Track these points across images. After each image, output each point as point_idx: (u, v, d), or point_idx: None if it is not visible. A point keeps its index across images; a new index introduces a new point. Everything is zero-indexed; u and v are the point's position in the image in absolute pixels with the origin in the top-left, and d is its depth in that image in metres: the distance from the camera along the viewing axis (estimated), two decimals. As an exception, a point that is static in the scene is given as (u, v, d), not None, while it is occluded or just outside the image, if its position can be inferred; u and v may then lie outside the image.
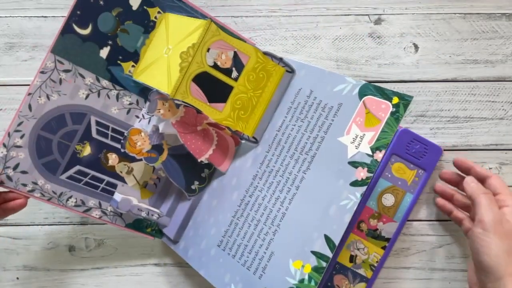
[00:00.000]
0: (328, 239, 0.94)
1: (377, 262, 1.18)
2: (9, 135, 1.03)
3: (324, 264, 0.93)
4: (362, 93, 0.98)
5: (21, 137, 1.04)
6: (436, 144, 1.19)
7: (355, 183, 0.94)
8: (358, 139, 0.96)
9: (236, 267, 1.04)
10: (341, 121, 1.00)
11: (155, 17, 1.11)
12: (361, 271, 1.19)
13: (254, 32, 1.26)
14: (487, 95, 1.23)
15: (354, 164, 0.95)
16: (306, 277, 0.94)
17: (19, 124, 1.04)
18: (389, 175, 1.19)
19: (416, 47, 1.24)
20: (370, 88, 0.98)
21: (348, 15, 1.26)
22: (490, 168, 1.22)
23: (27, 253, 1.23)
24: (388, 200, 1.19)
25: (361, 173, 0.94)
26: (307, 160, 1.02)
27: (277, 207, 1.03)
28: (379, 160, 0.93)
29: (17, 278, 1.23)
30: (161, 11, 1.11)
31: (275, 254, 1.00)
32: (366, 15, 1.25)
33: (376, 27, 1.25)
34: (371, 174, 0.93)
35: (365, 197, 1.18)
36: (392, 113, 0.94)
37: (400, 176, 1.19)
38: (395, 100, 0.94)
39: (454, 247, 1.21)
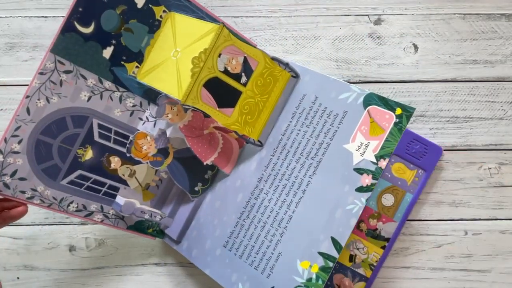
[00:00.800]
0: (334, 241, 0.97)
1: (376, 261, 1.19)
2: (5, 140, 0.99)
3: (331, 264, 0.97)
4: (367, 102, 1.01)
5: (19, 142, 1.00)
6: (436, 144, 1.19)
7: (360, 189, 0.98)
8: (363, 147, 0.99)
9: (243, 267, 1.06)
10: (346, 129, 1.02)
11: (161, 16, 1.08)
12: (360, 271, 1.19)
13: (254, 32, 1.26)
14: (487, 95, 1.23)
15: (359, 170, 0.98)
16: (314, 276, 0.98)
17: (17, 129, 0.99)
18: (389, 175, 1.19)
19: (415, 47, 1.25)
20: (374, 98, 1.00)
21: (348, 15, 1.26)
22: (489, 168, 1.22)
23: (27, 253, 1.23)
24: (388, 200, 1.19)
25: (366, 180, 0.97)
26: (313, 165, 1.04)
27: (284, 209, 1.05)
28: (383, 167, 0.97)
29: (18, 278, 1.23)
30: (166, 10, 1.08)
31: (282, 254, 1.02)
32: (366, 15, 1.25)
33: (376, 28, 1.25)
34: (376, 181, 0.96)
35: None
36: (395, 124, 0.98)
37: (400, 176, 1.19)
38: (398, 111, 0.98)
39: (453, 247, 1.21)
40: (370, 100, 1.01)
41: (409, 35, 1.25)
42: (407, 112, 0.97)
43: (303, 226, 1.02)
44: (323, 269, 0.97)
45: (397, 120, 0.97)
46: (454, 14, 1.25)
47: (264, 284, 1.02)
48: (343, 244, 0.96)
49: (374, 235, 1.19)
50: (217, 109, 1.05)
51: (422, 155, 1.19)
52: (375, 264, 1.19)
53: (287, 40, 1.26)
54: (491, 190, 1.22)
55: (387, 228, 1.19)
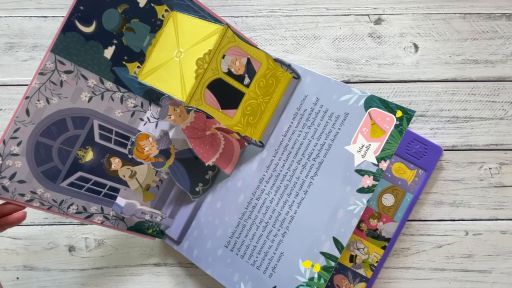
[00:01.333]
0: (336, 241, 0.98)
1: (377, 262, 1.19)
2: (4, 142, 0.97)
3: (332, 263, 0.98)
4: (368, 104, 1.02)
5: (18, 144, 0.98)
6: (436, 144, 1.19)
7: (361, 190, 0.99)
8: (364, 149, 1.00)
9: (245, 267, 1.06)
10: (347, 130, 1.04)
11: (162, 16, 1.07)
12: (361, 271, 1.19)
13: (254, 32, 1.26)
14: (487, 95, 1.23)
15: (361, 172, 1.00)
16: (316, 275, 0.99)
17: (16, 131, 0.97)
18: (389, 175, 1.19)
19: (416, 47, 1.24)
20: (375, 100, 1.02)
21: (348, 15, 1.26)
22: (490, 168, 1.22)
23: (27, 253, 1.23)
24: (388, 200, 1.19)
25: (367, 181, 0.99)
26: (315, 166, 1.04)
27: (286, 210, 1.05)
28: (384, 169, 0.98)
29: (17, 278, 1.23)
30: (168, 9, 1.07)
31: (284, 254, 1.03)
32: (366, 15, 1.25)
33: (376, 27, 1.25)
34: (377, 182, 0.97)
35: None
36: (396, 126, 0.99)
37: (400, 176, 1.19)
38: (399, 113, 0.99)
39: (454, 247, 1.21)
40: (371, 102, 1.02)
41: (409, 35, 1.25)
42: (408, 115, 0.98)
43: (304, 226, 1.03)
44: (325, 268, 0.98)
45: (398, 122, 0.98)
46: (455, 13, 1.25)
47: (267, 283, 1.03)
48: (344, 244, 0.98)
49: (374, 235, 1.19)
50: (220, 110, 1.05)
51: (422, 155, 1.19)
52: (375, 264, 1.19)
53: (287, 40, 1.26)
54: (492, 190, 1.22)
55: (387, 228, 1.19)
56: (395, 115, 0.99)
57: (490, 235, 1.21)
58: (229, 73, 1.04)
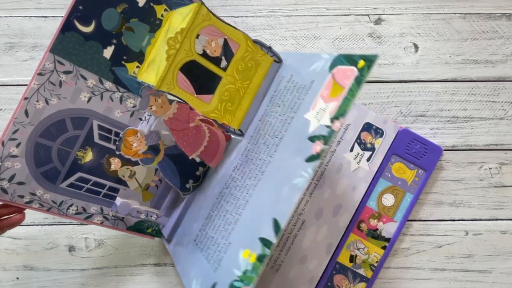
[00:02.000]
0: (276, 223, 0.82)
1: (377, 262, 1.18)
2: (3, 144, 0.97)
3: (267, 251, 0.80)
4: (333, 65, 0.88)
5: (17, 145, 0.98)
6: (436, 144, 1.19)
7: (310, 159, 0.82)
8: (321, 112, 0.85)
9: (200, 261, 0.98)
10: (310, 98, 0.91)
11: (162, 15, 1.05)
12: (361, 271, 1.19)
13: (254, 32, 1.26)
14: (487, 95, 1.23)
15: (313, 138, 0.84)
16: (250, 267, 0.82)
17: (14, 132, 0.97)
18: (389, 175, 1.19)
19: (416, 47, 1.24)
20: (341, 59, 0.87)
21: (348, 15, 1.26)
22: (490, 168, 1.22)
23: (27, 253, 1.23)
24: (388, 200, 1.19)
25: (318, 147, 0.82)
26: (275, 143, 0.94)
27: (244, 195, 0.95)
28: (336, 130, 0.81)
29: (17, 278, 1.22)
30: (168, 8, 1.05)
31: (231, 244, 0.91)
32: (366, 15, 1.25)
33: (376, 27, 1.25)
34: (326, 146, 0.81)
35: (365, 197, 1.18)
36: (356, 78, 0.81)
37: (400, 176, 1.19)
38: (361, 63, 0.82)
39: (454, 247, 1.21)
40: (337, 62, 0.87)
41: (409, 35, 1.25)
42: (369, 61, 0.80)
43: (254, 210, 0.90)
44: (259, 258, 0.81)
45: (359, 74, 0.81)
46: (455, 13, 1.25)
47: (210, 279, 0.91)
48: (282, 226, 0.80)
49: (374, 235, 1.19)
50: (195, 95, 1.00)
51: (422, 155, 1.19)
52: (375, 264, 1.18)
53: (287, 40, 1.26)
54: (492, 190, 1.22)
55: (387, 228, 1.19)
56: (357, 66, 0.82)
57: (490, 235, 1.21)
58: (204, 54, 0.99)
